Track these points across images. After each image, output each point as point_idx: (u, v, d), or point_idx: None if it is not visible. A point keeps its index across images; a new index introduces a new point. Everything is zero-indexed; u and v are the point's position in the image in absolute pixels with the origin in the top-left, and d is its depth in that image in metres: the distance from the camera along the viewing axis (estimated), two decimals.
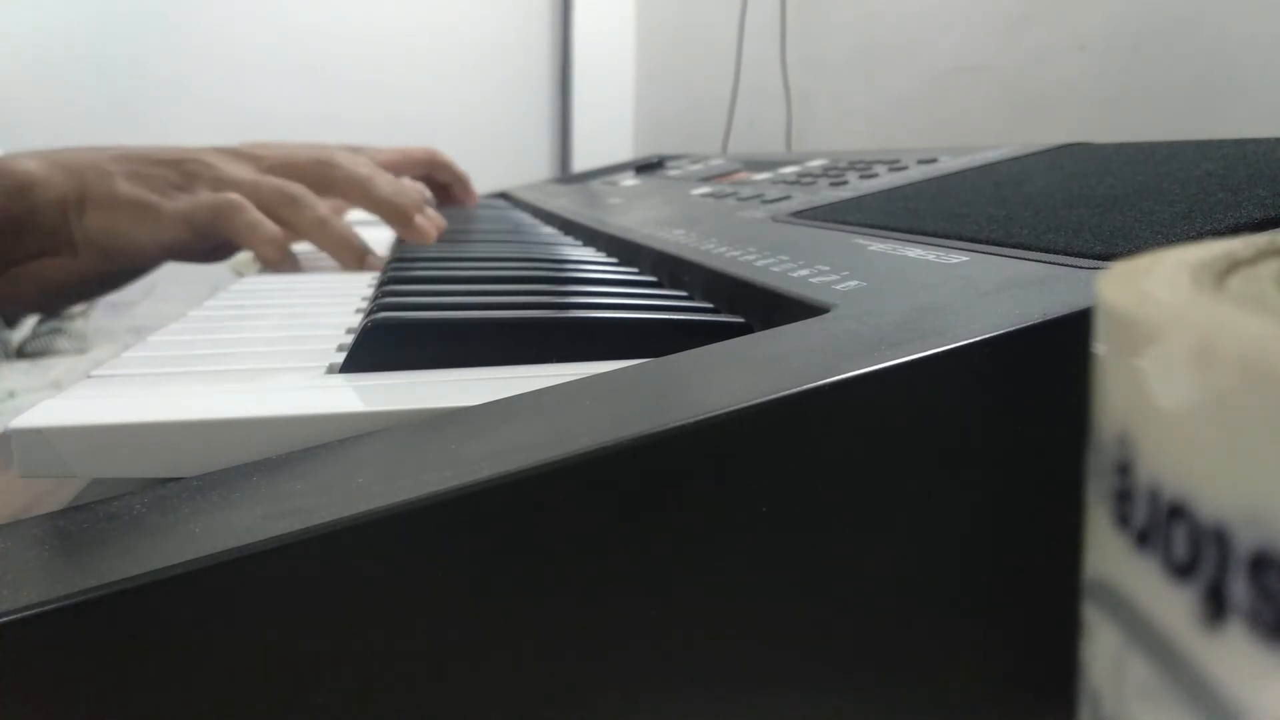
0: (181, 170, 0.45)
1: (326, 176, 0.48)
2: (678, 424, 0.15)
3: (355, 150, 0.63)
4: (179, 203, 0.44)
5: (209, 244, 0.46)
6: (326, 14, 1.57)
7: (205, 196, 0.44)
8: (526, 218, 0.68)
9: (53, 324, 0.95)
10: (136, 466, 0.18)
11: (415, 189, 0.59)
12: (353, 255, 0.45)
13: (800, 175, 0.51)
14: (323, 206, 0.46)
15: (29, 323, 0.93)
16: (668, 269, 0.35)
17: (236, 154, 0.47)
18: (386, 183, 0.49)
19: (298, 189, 0.46)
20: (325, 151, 0.49)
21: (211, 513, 0.15)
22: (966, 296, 0.20)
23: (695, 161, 0.76)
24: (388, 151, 0.68)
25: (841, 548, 0.17)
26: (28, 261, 0.46)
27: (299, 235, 0.46)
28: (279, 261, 0.44)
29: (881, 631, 0.17)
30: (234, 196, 0.44)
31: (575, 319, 0.26)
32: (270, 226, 0.44)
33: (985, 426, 0.17)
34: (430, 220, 0.51)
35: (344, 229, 0.46)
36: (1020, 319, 0.17)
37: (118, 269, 0.48)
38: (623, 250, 0.42)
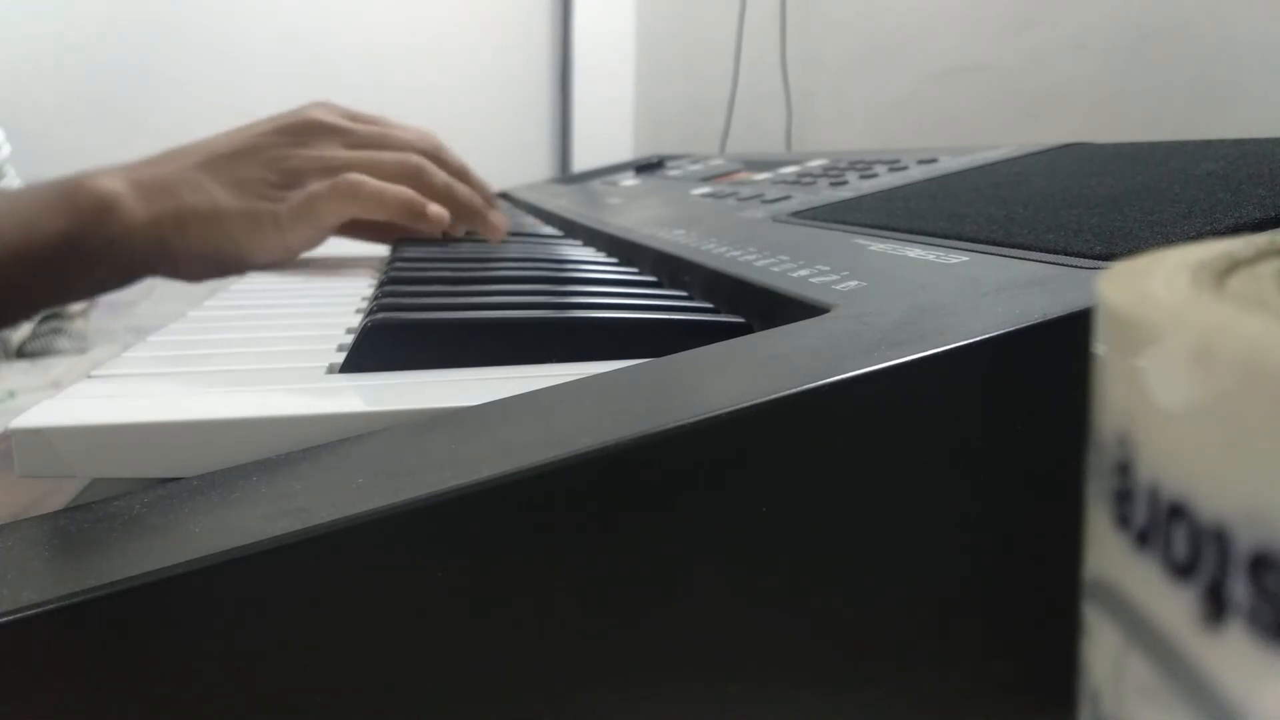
0: (280, 168, 0.43)
1: (416, 185, 0.46)
2: (678, 424, 0.15)
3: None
4: (291, 201, 0.42)
5: (329, 232, 0.44)
6: (326, 14, 1.57)
7: (320, 185, 0.42)
8: (526, 217, 0.68)
9: (53, 324, 0.95)
10: (136, 466, 0.18)
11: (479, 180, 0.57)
12: (477, 219, 0.45)
13: (800, 175, 0.51)
14: (443, 173, 0.45)
15: (29, 323, 0.93)
16: (668, 269, 0.35)
17: (311, 127, 0.45)
18: (477, 176, 0.49)
19: (416, 159, 0.44)
20: (424, 135, 0.48)
21: (211, 513, 0.15)
22: (966, 296, 0.20)
23: (695, 161, 0.76)
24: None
25: (841, 548, 0.17)
26: (117, 285, 0.44)
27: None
28: (422, 220, 0.43)
29: (881, 631, 0.17)
30: (352, 175, 0.42)
31: (575, 319, 0.26)
32: (397, 190, 0.43)
33: (985, 426, 0.17)
34: (501, 216, 0.50)
35: (468, 193, 0.46)
36: (1020, 319, 0.17)
37: (226, 275, 0.46)
38: (623, 250, 0.42)
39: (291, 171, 0.43)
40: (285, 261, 0.45)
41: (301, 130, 0.45)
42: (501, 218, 0.49)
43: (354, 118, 0.48)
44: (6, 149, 0.66)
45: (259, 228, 0.42)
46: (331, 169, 0.43)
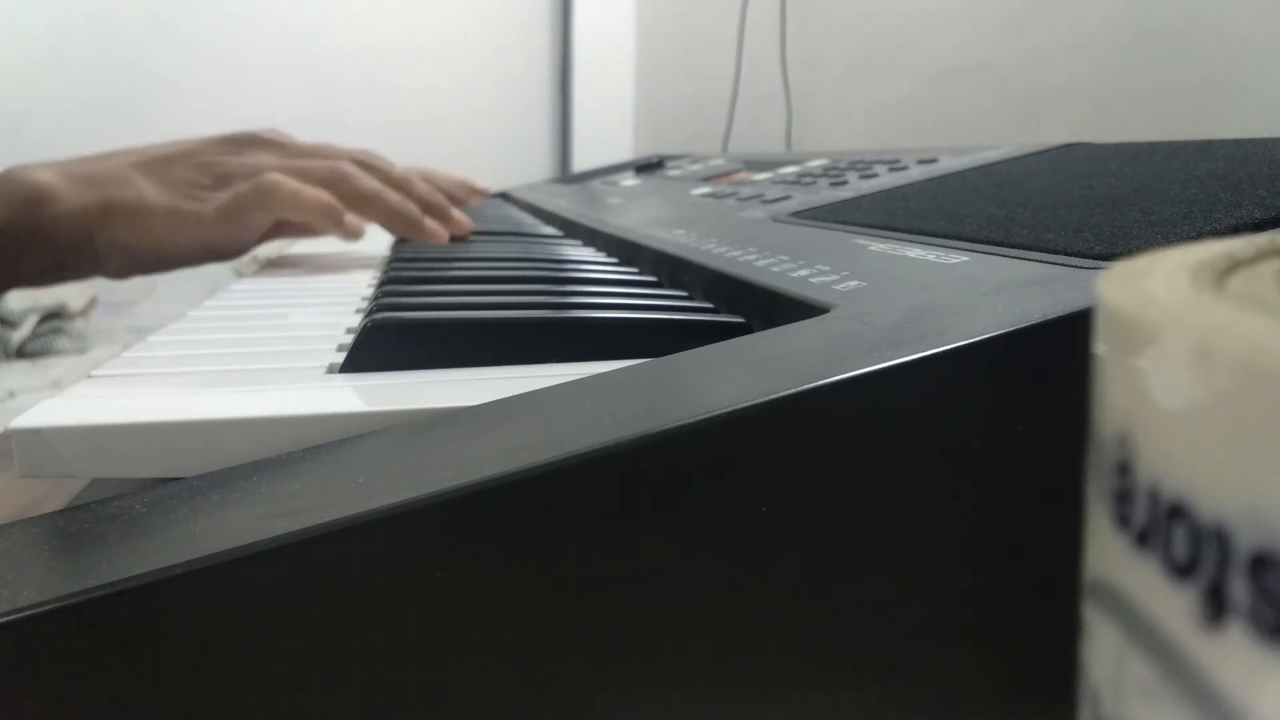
0: (211, 172, 0.44)
1: (341, 191, 0.46)
2: (678, 424, 0.15)
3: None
4: (215, 201, 0.43)
5: (254, 234, 0.45)
6: (326, 14, 1.57)
7: (243, 185, 0.43)
8: (526, 217, 0.68)
9: (53, 324, 0.95)
10: (136, 466, 0.18)
11: (429, 189, 0.58)
12: (409, 225, 0.45)
13: (800, 175, 0.51)
14: (372, 179, 0.46)
15: (29, 323, 0.93)
16: (668, 269, 0.35)
17: (251, 140, 0.46)
18: (421, 185, 0.49)
19: (345, 165, 0.45)
20: (360, 150, 0.49)
21: (211, 513, 0.15)
22: (966, 296, 0.20)
23: (695, 161, 0.76)
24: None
25: (841, 547, 0.17)
26: (43, 278, 0.45)
27: (353, 211, 0.45)
28: (337, 227, 0.43)
29: (881, 631, 0.17)
30: (272, 175, 0.43)
31: (575, 319, 0.26)
32: (316, 192, 0.43)
33: (985, 426, 0.17)
34: (456, 221, 0.50)
35: (398, 199, 0.46)
36: (1020, 319, 0.17)
37: (149, 273, 0.47)
38: (623, 250, 0.42)
39: (221, 176, 0.44)
40: (205, 260, 0.46)
41: (240, 141, 0.46)
42: (460, 222, 0.49)
43: (296, 142, 0.49)
44: None
45: (182, 225, 0.43)
46: (259, 174, 0.44)
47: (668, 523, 0.16)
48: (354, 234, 0.45)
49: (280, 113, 1.49)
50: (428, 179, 0.71)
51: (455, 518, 0.15)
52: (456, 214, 0.50)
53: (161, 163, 0.44)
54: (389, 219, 0.46)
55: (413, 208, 0.47)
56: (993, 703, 0.19)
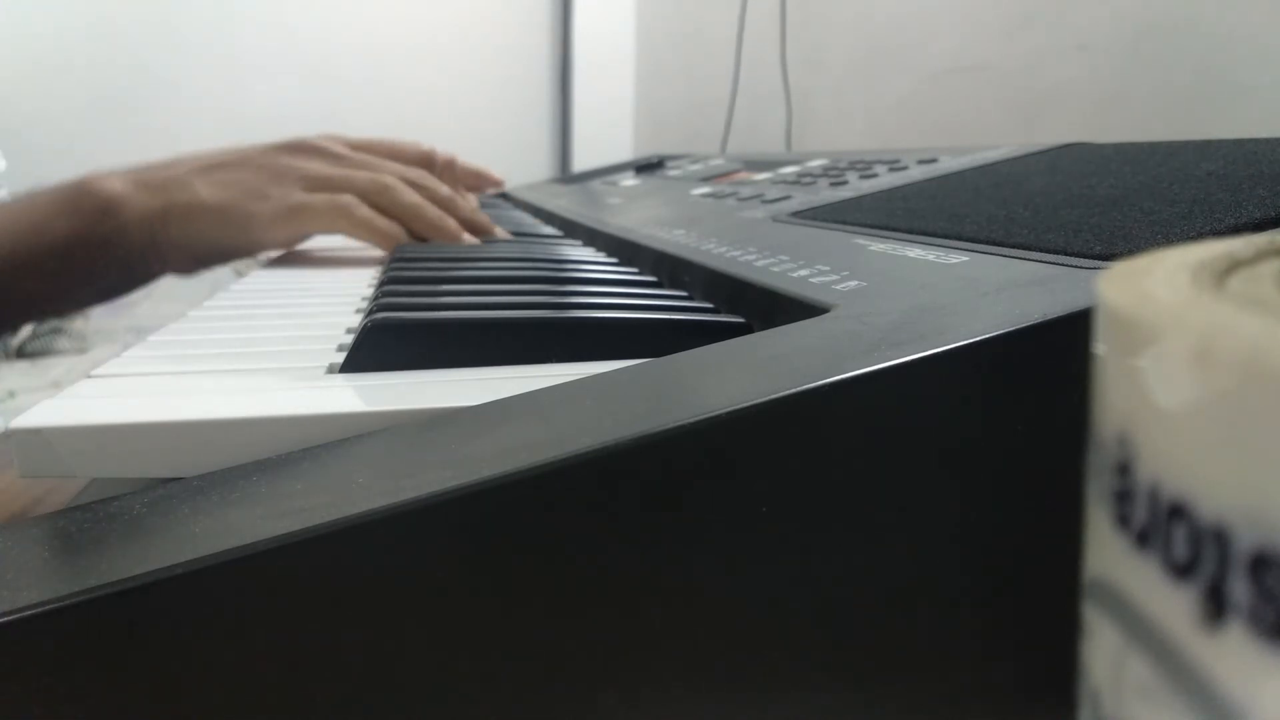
0: (265, 174, 0.47)
1: (379, 203, 0.49)
2: (678, 424, 0.15)
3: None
4: (271, 204, 0.46)
5: (309, 236, 0.49)
6: (326, 14, 1.57)
7: (318, 198, 0.46)
8: (527, 217, 0.68)
9: (53, 324, 0.95)
10: (136, 466, 0.18)
11: (472, 209, 0.60)
12: (449, 239, 0.48)
13: (800, 175, 0.51)
14: (414, 193, 0.49)
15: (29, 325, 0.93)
16: (668, 269, 0.35)
17: (306, 147, 0.49)
18: (432, 210, 0.51)
19: (389, 178, 0.48)
20: (414, 170, 0.51)
21: (211, 513, 0.15)
22: (966, 296, 0.20)
23: (695, 161, 0.76)
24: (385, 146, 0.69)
25: (841, 547, 0.17)
26: (119, 286, 0.48)
27: (396, 222, 0.48)
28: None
29: (881, 631, 0.17)
30: (347, 197, 0.46)
31: (575, 319, 0.26)
32: (385, 222, 0.47)
33: (985, 426, 0.17)
34: (483, 226, 0.52)
35: (438, 213, 0.49)
36: (1020, 319, 0.17)
37: (213, 266, 0.50)
38: (623, 250, 0.42)
39: (273, 177, 0.47)
40: (259, 253, 0.49)
41: (295, 148, 0.49)
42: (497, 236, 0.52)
43: (356, 146, 0.52)
44: (3, 165, 0.67)
45: (235, 223, 0.46)
46: (308, 177, 0.47)
47: (668, 523, 0.16)
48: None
49: (281, 113, 1.49)
50: (446, 167, 0.72)
51: (455, 518, 0.15)
52: (499, 232, 0.52)
53: (218, 167, 0.47)
54: (430, 231, 0.49)
55: (451, 223, 0.49)
56: (993, 703, 0.19)
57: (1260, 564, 0.07)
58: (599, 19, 1.71)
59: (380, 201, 0.47)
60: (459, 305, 0.28)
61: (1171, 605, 0.08)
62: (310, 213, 0.46)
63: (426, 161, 0.68)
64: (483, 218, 0.52)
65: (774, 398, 0.16)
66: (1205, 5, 0.61)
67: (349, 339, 0.27)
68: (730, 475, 0.16)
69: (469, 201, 0.53)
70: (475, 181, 0.77)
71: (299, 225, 0.46)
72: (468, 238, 0.50)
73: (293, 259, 0.49)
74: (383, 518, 0.14)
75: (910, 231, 0.29)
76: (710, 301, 0.30)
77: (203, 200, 0.45)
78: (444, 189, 0.52)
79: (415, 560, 0.15)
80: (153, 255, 0.46)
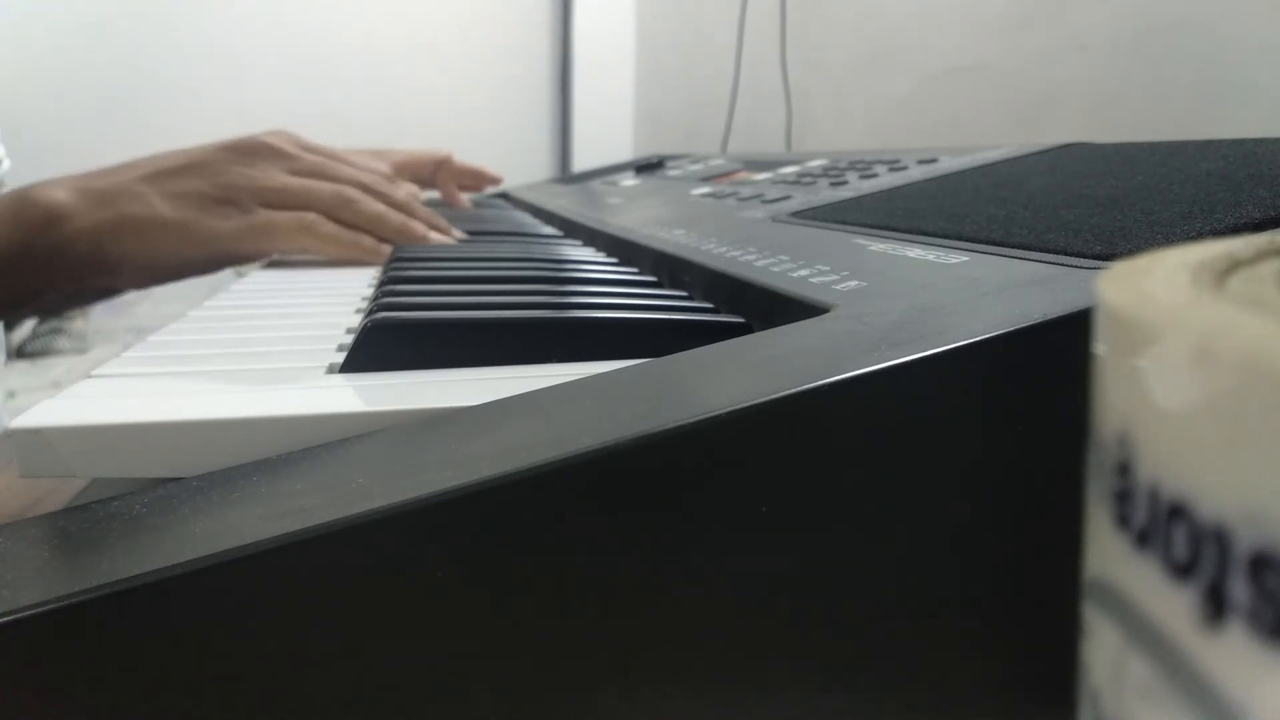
0: (219, 183, 0.45)
1: (343, 218, 0.48)
2: (678, 424, 0.15)
3: (376, 155, 0.65)
4: (233, 221, 0.45)
5: (274, 252, 0.47)
6: (327, 14, 1.57)
7: (283, 217, 0.45)
8: (527, 217, 0.68)
9: (53, 324, 0.95)
10: (136, 466, 0.18)
11: (412, 192, 0.60)
12: (416, 239, 0.48)
13: (800, 175, 0.51)
14: (375, 203, 0.48)
15: (29, 323, 0.93)
16: (668, 269, 0.35)
17: (257, 149, 0.47)
18: (422, 209, 0.51)
19: (351, 190, 0.47)
20: (367, 173, 0.50)
21: (211, 513, 0.15)
22: (966, 296, 0.20)
23: (695, 161, 0.76)
24: (401, 153, 0.70)
25: (841, 548, 0.17)
26: (63, 288, 0.46)
27: (363, 230, 0.48)
28: (376, 259, 0.46)
29: (881, 631, 0.17)
30: (311, 216, 0.45)
31: (575, 319, 0.26)
32: (351, 235, 0.46)
33: (985, 426, 0.17)
34: (441, 227, 0.52)
35: (401, 220, 0.48)
36: (1020, 319, 0.17)
37: (165, 282, 0.49)
38: (623, 250, 0.42)
39: (229, 187, 0.45)
40: (215, 270, 0.48)
41: (247, 151, 0.47)
42: (436, 233, 0.52)
43: (306, 147, 0.50)
44: (7, 164, 0.67)
45: (193, 239, 0.44)
46: (266, 190, 0.46)
47: (668, 523, 0.16)
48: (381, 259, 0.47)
49: (280, 113, 1.49)
50: (444, 165, 0.73)
51: (455, 518, 0.15)
52: (456, 233, 0.52)
53: (171, 175, 0.45)
54: (394, 239, 0.48)
55: (417, 227, 0.49)
56: (993, 703, 0.19)
57: (1260, 564, 0.07)
58: (599, 19, 1.71)
59: (344, 215, 0.46)
60: (459, 305, 0.28)
61: (1171, 605, 0.08)
62: (276, 232, 0.45)
63: (424, 164, 0.68)
64: (439, 220, 0.52)
65: (774, 398, 0.16)
66: (1205, 5, 0.61)
67: (349, 339, 0.27)
68: (730, 475, 0.16)
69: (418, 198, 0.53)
70: (472, 180, 0.77)
71: (264, 244, 0.45)
72: (436, 236, 0.50)
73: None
74: (383, 518, 0.14)
75: (910, 231, 0.29)
76: (710, 301, 0.30)
77: (159, 215, 0.44)
78: (400, 192, 0.51)
79: (415, 560, 0.15)
80: (100, 269, 0.44)
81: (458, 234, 0.52)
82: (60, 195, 0.43)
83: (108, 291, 0.49)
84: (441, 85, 1.64)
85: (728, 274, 0.28)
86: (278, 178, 0.46)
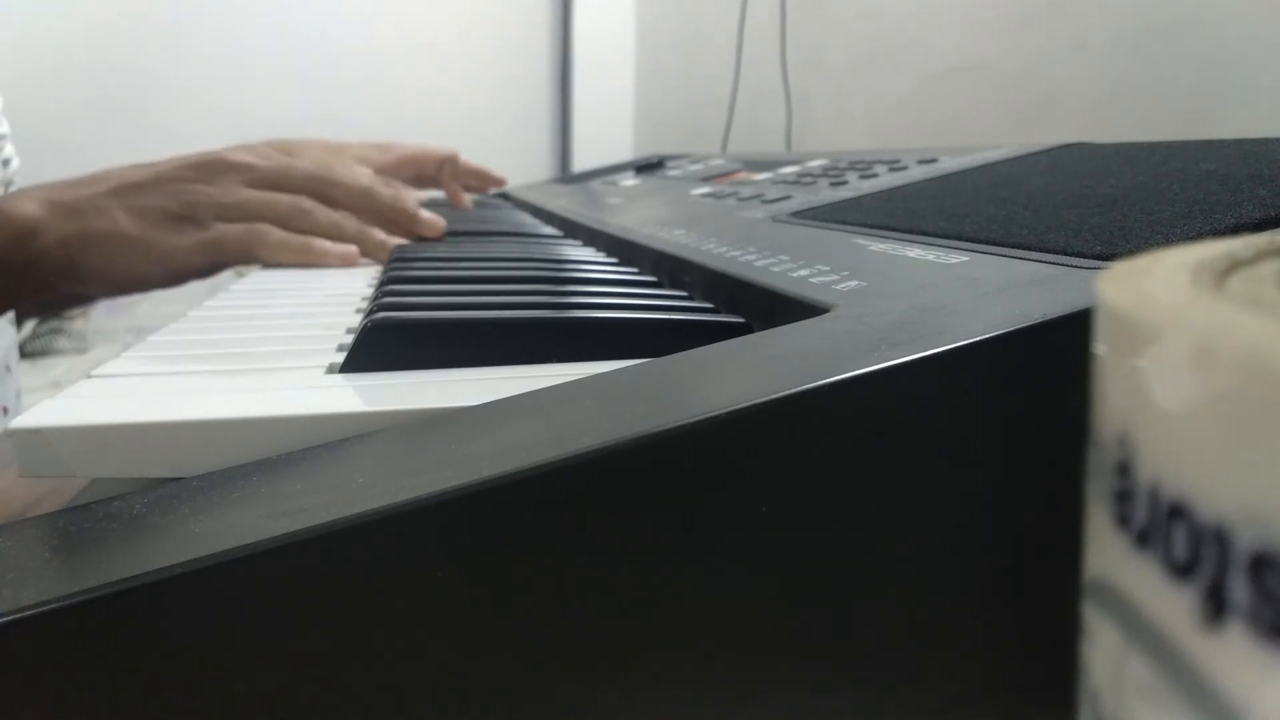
0: (181, 199, 0.46)
1: (325, 193, 0.49)
2: (678, 424, 0.15)
3: (381, 148, 0.65)
4: (189, 237, 0.46)
5: (231, 266, 0.48)
6: (327, 14, 1.57)
7: (232, 229, 0.46)
8: (527, 217, 0.68)
9: (53, 324, 0.95)
10: (136, 466, 0.18)
11: (411, 194, 0.61)
12: (373, 252, 0.48)
13: (800, 175, 0.51)
14: (332, 212, 0.48)
15: (29, 323, 0.93)
16: (668, 269, 0.35)
17: (218, 165, 0.48)
18: (385, 192, 0.51)
19: (306, 201, 0.48)
20: (321, 166, 0.50)
21: (211, 513, 0.15)
22: (966, 296, 0.20)
23: (695, 161, 0.76)
24: (406, 148, 0.70)
25: (841, 548, 0.17)
26: (38, 298, 0.48)
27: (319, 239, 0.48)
28: (327, 259, 0.46)
29: (881, 631, 0.17)
30: (257, 225, 0.46)
31: (575, 319, 0.26)
32: (298, 239, 0.46)
33: (985, 426, 0.17)
34: (431, 219, 0.52)
35: (357, 226, 0.48)
36: (1020, 319, 0.17)
37: (132, 294, 0.50)
38: (623, 250, 0.42)
39: (189, 204, 0.47)
40: (177, 284, 0.49)
41: (207, 167, 0.48)
42: (431, 223, 0.52)
43: (264, 155, 0.50)
44: (16, 163, 0.67)
45: (153, 255, 0.46)
46: (225, 205, 0.47)
47: (668, 523, 0.16)
48: (349, 260, 0.47)
49: (282, 113, 1.49)
50: (448, 163, 0.73)
51: (455, 518, 0.15)
52: (425, 216, 0.52)
53: (135, 190, 0.47)
54: (354, 243, 0.49)
55: (374, 233, 0.49)
56: (993, 703, 0.19)
57: (1260, 564, 0.07)
58: (599, 19, 1.71)
59: (299, 226, 0.47)
60: (459, 305, 0.28)
61: (1171, 605, 0.08)
62: (226, 245, 0.46)
63: (418, 161, 0.68)
64: (404, 206, 0.52)
65: (774, 398, 0.16)
66: (1205, 5, 0.61)
67: (349, 339, 0.27)
68: (730, 475, 0.16)
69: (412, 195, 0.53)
70: (476, 181, 0.77)
71: (215, 258, 0.46)
72: (395, 241, 0.50)
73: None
74: (383, 518, 0.14)
75: (910, 231, 0.29)
76: (710, 301, 0.30)
77: (121, 230, 0.45)
78: (360, 181, 0.51)
79: (415, 560, 0.15)
80: (71, 279, 0.46)
81: (439, 227, 0.52)
82: (31, 209, 0.45)
83: (83, 298, 0.50)
84: (441, 85, 1.64)
85: (728, 274, 0.28)
86: (237, 193, 0.47)
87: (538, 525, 0.15)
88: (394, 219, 0.51)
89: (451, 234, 0.53)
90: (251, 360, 0.25)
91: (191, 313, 0.33)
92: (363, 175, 0.51)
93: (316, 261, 0.46)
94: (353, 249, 0.47)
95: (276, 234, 0.46)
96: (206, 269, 0.48)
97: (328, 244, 0.47)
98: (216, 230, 0.46)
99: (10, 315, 0.61)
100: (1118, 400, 0.09)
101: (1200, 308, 0.08)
